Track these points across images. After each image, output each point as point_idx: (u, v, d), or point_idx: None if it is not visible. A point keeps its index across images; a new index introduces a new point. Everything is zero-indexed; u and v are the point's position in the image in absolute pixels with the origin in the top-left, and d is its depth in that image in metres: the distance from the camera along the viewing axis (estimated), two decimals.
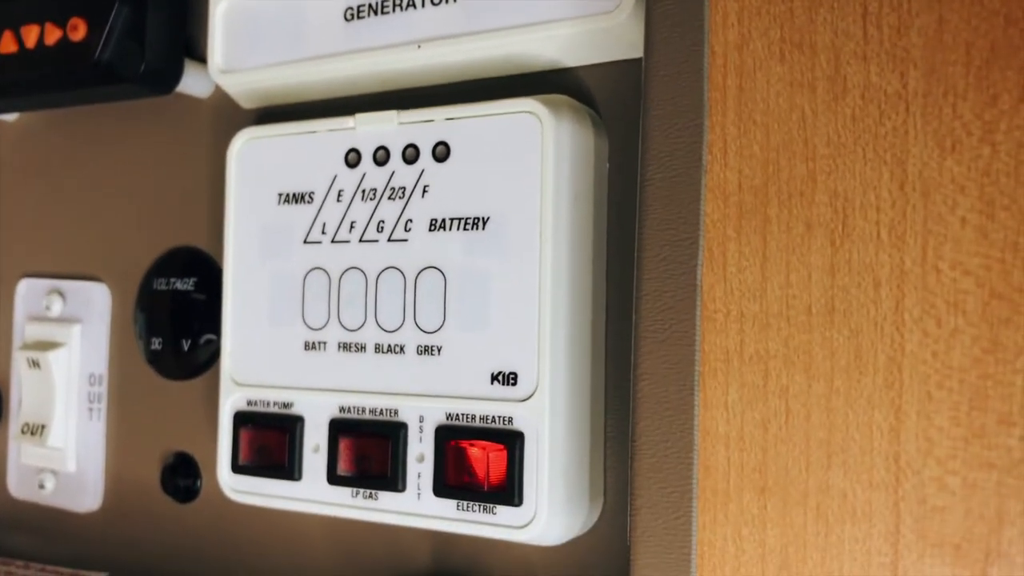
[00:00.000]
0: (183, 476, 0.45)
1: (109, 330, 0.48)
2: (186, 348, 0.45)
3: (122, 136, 0.48)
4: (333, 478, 0.36)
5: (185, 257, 0.46)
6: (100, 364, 0.48)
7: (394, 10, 0.37)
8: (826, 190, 0.27)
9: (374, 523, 0.40)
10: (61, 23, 0.44)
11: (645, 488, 0.29)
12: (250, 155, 0.39)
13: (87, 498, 0.49)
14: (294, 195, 0.38)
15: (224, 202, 0.40)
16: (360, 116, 0.37)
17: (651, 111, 0.29)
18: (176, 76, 0.43)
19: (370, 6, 0.38)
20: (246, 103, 0.43)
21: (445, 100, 0.36)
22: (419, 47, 0.36)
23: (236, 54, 0.41)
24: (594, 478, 0.34)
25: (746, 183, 0.28)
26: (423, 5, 0.36)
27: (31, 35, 0.45)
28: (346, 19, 0.38)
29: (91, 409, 0.48)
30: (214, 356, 0.44)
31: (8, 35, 0.46)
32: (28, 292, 0.51)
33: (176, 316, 0.45)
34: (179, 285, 0.45)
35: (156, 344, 0.46)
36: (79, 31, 0.43)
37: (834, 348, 0.27)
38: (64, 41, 0.44)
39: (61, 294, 0.50)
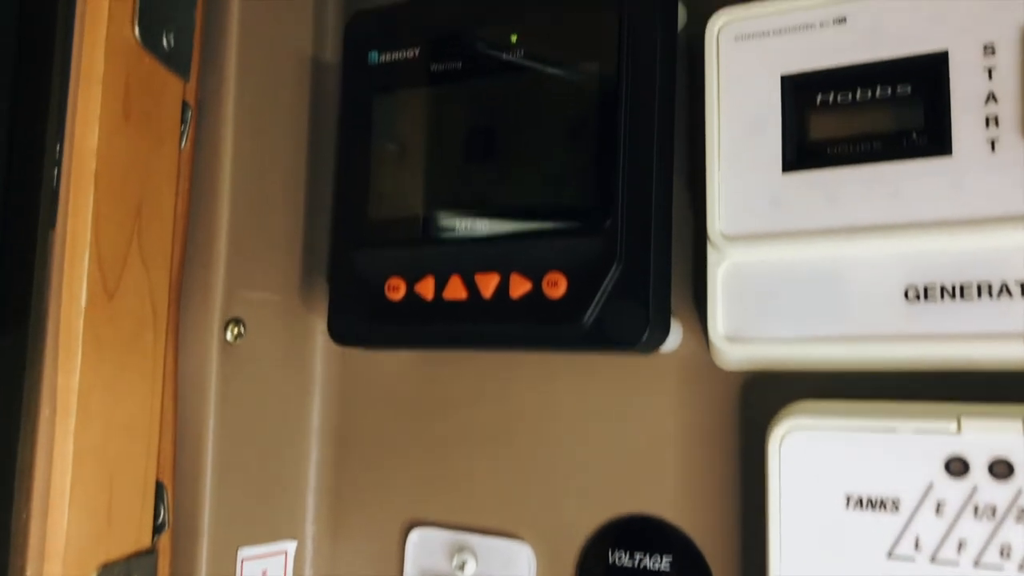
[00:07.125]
0: None
1: None
2: None
3: (552, 382, 0.45)
4: None
5: (648, 529, 0.41)
6: None
7: (980, 296, 0.34)
8: None
9: None
10: (534, 277, 0.41)
11: None
12: (800, 446, 0.35)
13: None
14: (870, 500, 0.34)
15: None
16: (968, 420, 0.33)
17: None
18: (663, 335, 0.40)
19: (943, 288, 0.34)
20: (731, 366, 0.40)
21: None
22: None
23: (745, 321, 0.38)
24: None
25: None
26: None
27: (488, 284, 0.42)
28: (907, 298, 0.35)
29: None
30: None
31: (456, 281, 0.43)
32: (422, 544, 0.47)
33: None
34: (648, 563, 0.41)
35: None
36: (559, 288, 0.40)
37: None
38: (537, 296, 0.40)
39: (472, 552, 0.45)
